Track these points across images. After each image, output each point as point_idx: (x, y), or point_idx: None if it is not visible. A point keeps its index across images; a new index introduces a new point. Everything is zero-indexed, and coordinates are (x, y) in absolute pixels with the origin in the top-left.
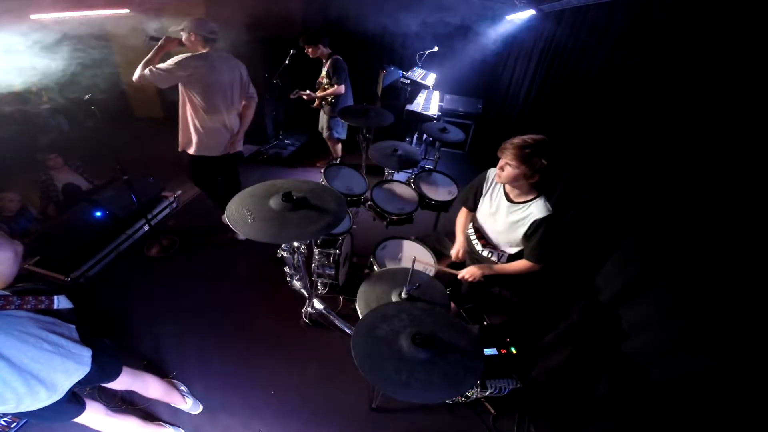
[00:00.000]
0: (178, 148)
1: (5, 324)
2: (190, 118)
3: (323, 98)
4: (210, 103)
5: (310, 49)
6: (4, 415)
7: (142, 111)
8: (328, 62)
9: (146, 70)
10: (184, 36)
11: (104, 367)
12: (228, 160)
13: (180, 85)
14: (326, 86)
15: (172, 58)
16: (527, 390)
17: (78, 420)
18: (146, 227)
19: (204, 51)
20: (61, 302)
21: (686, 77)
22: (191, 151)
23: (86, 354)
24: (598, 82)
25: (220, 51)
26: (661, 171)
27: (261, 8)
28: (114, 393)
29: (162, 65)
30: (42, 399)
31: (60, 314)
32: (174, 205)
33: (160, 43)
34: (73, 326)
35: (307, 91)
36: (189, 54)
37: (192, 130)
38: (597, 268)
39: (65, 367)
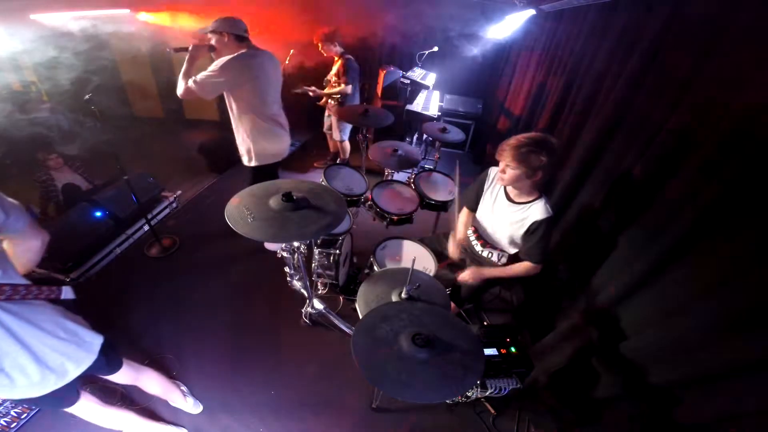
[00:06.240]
0: (243, 161)
1: (27, 312)
2: (249, 127)
3: (329, 96)
4: (264, 103)
5: (324, 48)
6: (5, 414)
7: (142, 111)
8: (340, 61)
9: (190, 83)
10: (214, 38)
11: (109, 357)
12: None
13: (227, 94)
14: (334, 84)
15: (213, 64)
16: (527, 390)
17: (72, 410)
18: (146, 227)
19: (242, 51)
20: (66, 293)
21: (686, 75)
22: (258, 162)
23: (97, 341)
24: (598, 81)
25: (256, 48)
26: (661, 169)
27: (259, 7)
28: (114, 389)
29: (205, 74)
30: (49, 386)
31: (65, 305)
32: (174, 205)
33: (190, 52)
34: (79, 316)
35: (313, 88)
36: (230, 56)
37: (253, 140)
38: (597, 268)
39: (77, 356)
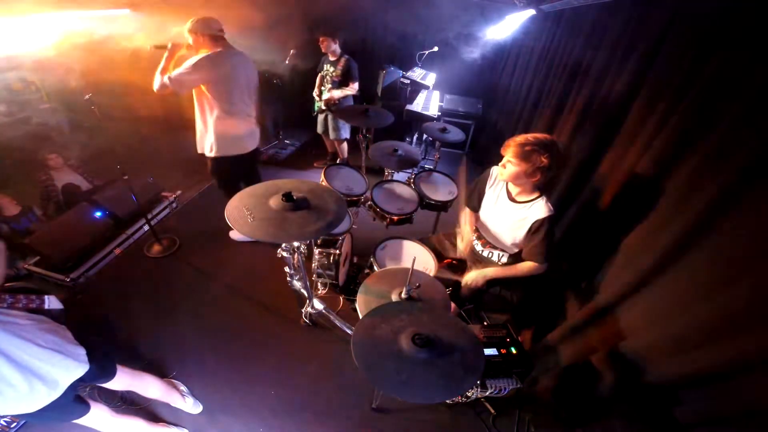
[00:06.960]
0: (197, 150)
1: (2, 321)
2: (210, 119)
3: (338, 98)
4: (231, 102)
5: (324, 43)
6: (5, 414)
7: (142, 111)
8: (342, 60)
9: (165, 79)
10: (191, 38)
11: (101, 365)
12: (250, 157)
13: (196, 89)
14: (334, 79)
15: (187, 62)
16: (527, 390)
17: (83, 422)
18: (146, 227)
19: (217, 50)
20: (51, 302)
21: (686, 75)
22: (213, 153)
23: (81, 352)
24: (598, 81)
25: (230, 48)
26: (661, 169)
27: (259, 6)
28: (113, 393)
29: (180, 71)
30: (42, 397)
31: (50, 315)
32: (174, 205)
33: (168, 50)
34: (63, 326)
35: (331, 94)
36: (204, 54)
37: (213, 132)
38: (597, 268)
39: (65, 364)
